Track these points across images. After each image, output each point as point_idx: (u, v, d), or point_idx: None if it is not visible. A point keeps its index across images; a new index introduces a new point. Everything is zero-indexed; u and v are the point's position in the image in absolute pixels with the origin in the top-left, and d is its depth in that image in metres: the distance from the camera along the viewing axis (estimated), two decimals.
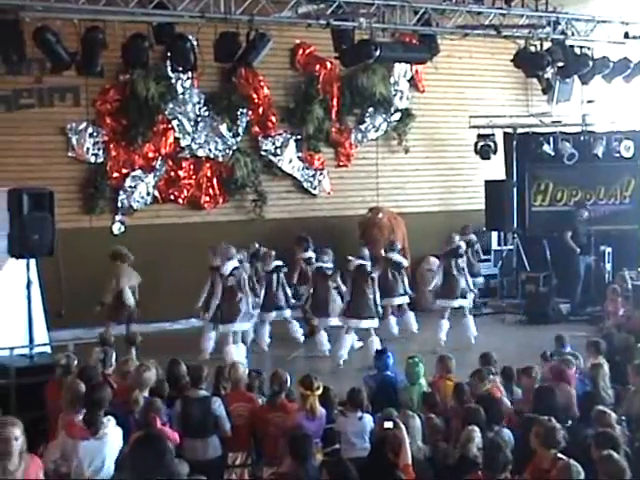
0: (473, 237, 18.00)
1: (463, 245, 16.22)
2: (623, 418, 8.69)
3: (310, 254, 16.08)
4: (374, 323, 14.76)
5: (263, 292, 15.38)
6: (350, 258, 14.93)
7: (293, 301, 15.78)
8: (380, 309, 14.95)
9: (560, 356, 11.12)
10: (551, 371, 10.35)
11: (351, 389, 9.48)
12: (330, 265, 15.30)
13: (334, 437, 9.32)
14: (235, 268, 14.23)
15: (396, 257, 16.38)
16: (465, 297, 15.96)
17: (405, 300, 16.55)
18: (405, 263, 16.70)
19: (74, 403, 8.33)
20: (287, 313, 15.77)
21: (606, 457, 6.95)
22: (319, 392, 9.23)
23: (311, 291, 15.29)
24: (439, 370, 10.68)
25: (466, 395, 9.49)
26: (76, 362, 10.22)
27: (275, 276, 15.63)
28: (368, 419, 9.14)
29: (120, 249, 14.79)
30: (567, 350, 11.48)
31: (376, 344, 14.16)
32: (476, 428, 7.89)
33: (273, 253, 15.68)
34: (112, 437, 7.78)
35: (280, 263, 15.71)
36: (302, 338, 15.71)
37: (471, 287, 16.16)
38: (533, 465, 7.44)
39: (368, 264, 14.87)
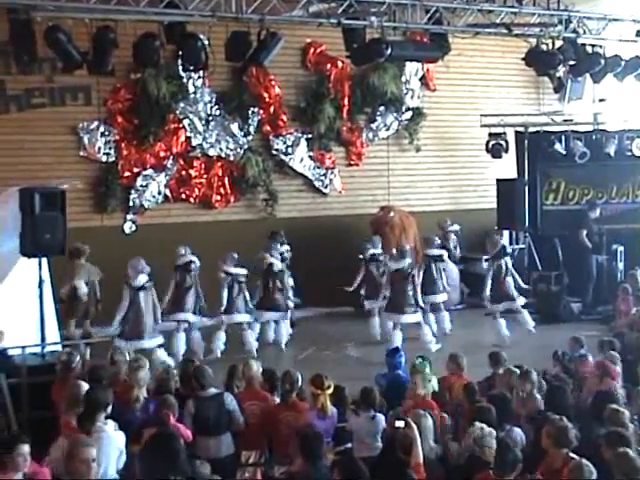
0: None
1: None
2: (635, 417, 8.66)
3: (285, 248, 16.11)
4: (417, 317, 15.19)
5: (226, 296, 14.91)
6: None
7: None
8: (422, 304, 15.41)
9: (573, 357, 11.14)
10: (597, 367, 10.37)
11: (363, 388, 9.48)
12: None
13: (345, 436, 9.32)
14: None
15: (435, 252, 16.65)
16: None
17: (445, 298, 16.66)
18: (445, 255, 16.96)
19: (72, 404, 8.35)
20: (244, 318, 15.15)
21: (622, 455, 6.93)
22: (330, 391, 9.24)
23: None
24: (450, 368, 10.68)
25: (477, 394, 9.48)
26: (78, 359, 10.23)
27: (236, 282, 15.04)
28: (380, 418, 9.15)
29: (76, 245, 14.07)
30: (583, 352, 11.44)
31: (429, 336, 15.12)
32: (487, 427, 7.87)
33: (235, 256, 15.11)
34: (108, 440, 7.75)
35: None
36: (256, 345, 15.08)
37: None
38: (545, 465, 7.43)
39: (407, 264, 15.28)
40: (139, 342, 12.99)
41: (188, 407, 8.91)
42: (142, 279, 13.28)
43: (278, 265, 15.33)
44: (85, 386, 8.57)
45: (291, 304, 15.70)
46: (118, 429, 7.99)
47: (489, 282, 16.09)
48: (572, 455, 7.24)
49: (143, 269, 13.36)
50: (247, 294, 15.08)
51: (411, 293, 15.14)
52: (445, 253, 17.00)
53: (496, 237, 16.58)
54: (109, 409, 8.06)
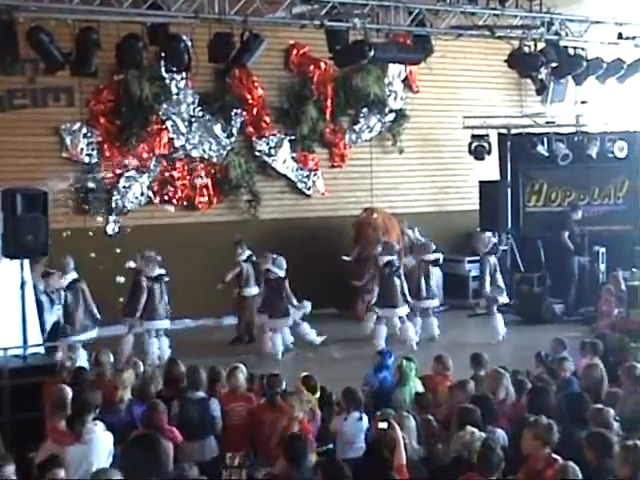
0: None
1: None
2: (617, 418, 8.68)
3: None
4: (406, 310, 15.80)
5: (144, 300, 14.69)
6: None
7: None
8: (409, 298, 15.85)
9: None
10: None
11: (346, 389, 9.48)
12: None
13: (327, 437, 9.31)
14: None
15: (431, 257, 16.82)
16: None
17: (434, 304, 16.82)
18: (441, 259, 17.11)
19: (58, 408, 8.31)
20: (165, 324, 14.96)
21: (632, 447, 6.96)
22: (318, 394, 9.27)
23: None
24: (436, 369, 10.70)
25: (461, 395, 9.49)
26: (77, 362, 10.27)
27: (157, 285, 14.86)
28: (365, 420, 9.16)
29: None
30: (564, 353, 11.46)
31: (412, 333, 15.58)
32: (471, 428, 7.88)
33: (159, 259, 14.96)
34: (99, 442, 7.74)
35: (163, 272, 14.93)
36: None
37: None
38: (527, 466, 7.44)
39: (395, 259, 15.87)
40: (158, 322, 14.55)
41: (173, 408, 8.91)
42: (158, 270, 14.55)
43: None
44: (69, 390, 8.53)
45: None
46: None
47: (487, 279, 16.32)
48: (555, 456, 7.26)
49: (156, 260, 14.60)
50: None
51: (399, 287, 15.61)
52: (441, 257, 17.00)
53: (486, 236, 16.71)
54: (97, 411, 8.05)
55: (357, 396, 9.35)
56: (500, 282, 16.84)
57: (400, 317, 15.80)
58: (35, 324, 12.49)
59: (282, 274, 15.34)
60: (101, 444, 7.75)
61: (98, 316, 14.12)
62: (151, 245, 15.20)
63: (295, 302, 15.37)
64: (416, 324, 16.17)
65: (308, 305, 15.59)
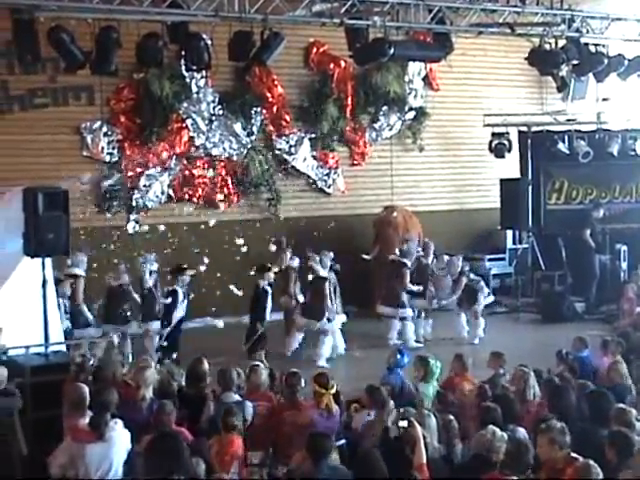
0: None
1: None
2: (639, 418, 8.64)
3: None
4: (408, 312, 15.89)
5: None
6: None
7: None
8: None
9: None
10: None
11: (369, 386, 9.48)
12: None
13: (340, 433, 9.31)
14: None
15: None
16: None
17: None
18: None
19: (77, 406, 8.33)
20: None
21: None
22: (334, 390, 9.25)
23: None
24: (455, 368, 10.68)
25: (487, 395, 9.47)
26: (92, 362, 10.28)
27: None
28: None
29: None
30: (586, 352, 11.44)
31: (411, 333, 15.71)
32: (499, 431, 7.85)
33: (331, 254, 15.41)
34: (119, 440, 7.78)
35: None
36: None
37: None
38: (546, 466, 7.40)
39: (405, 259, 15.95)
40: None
41: (207, 409, 8.93)
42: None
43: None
44: (86, 388, 8.55)
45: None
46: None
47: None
48: (574, 455, 7.22)
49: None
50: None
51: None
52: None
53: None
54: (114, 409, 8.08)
55: (380, 394, 9.34)
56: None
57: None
58: (57, 322, 12.54)
59: (323, 274, 15.25)
60: (120, 442, 7.78)
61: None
62: (171, 243, 15.23)
63: (330, 305, 15.07)
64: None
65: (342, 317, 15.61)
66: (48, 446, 8.22)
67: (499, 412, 8.41)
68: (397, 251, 16.34)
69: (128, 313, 14.49)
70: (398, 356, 11.06)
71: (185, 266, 14.22)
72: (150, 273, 14.45)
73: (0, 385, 9.27)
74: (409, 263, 16.08)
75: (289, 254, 15.70)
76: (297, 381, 9.37)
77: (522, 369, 9.96)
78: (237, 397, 9.25)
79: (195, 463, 7.44)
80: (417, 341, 15.87)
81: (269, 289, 14.08)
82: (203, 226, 17.10)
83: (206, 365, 9.96)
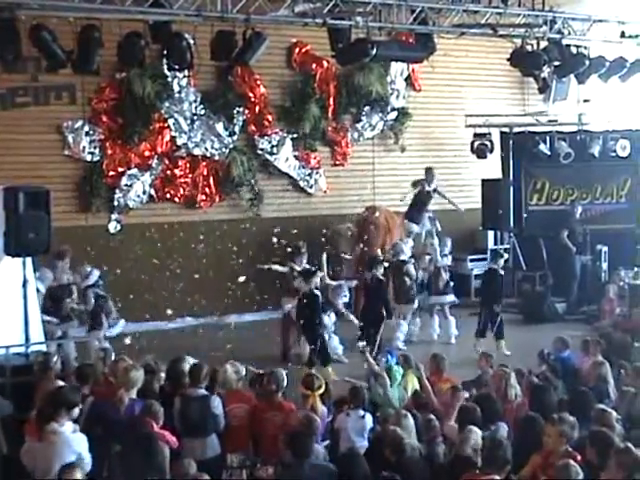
0: None
1: None
2: (619, 417, 8.68)
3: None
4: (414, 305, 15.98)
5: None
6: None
7: None
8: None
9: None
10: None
11: (352, 387, 9.59)
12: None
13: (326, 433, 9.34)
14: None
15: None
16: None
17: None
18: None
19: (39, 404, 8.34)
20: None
21: (624, 450, 6.97)
22: (320, 392, 9.27)
23: None
24: (430, 369, 10.72)
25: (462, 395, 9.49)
26: (56, 359, 10.25)
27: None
28: (369, 418, 9.19)
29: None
30: (567, 353, 11.49)
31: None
32: (473, 427, 7.88)
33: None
34: (63, 442, 7.59)
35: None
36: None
37: None
38: (543, 459, 7.44)
39: (406, 257, 15.96)
40: None
41: (175, 405, 8.89)
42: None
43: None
44: (53, 386, 8.53)
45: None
46: (78, 431, 7.86)
47: None
48: (571, 451, 7.29)
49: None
50: None
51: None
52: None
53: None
54: (75, 411, 7.96)
55: (361, 394, 9.38)
56: None
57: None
58: (37, 322, 12.50)
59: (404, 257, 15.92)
60: (67, 446, 7.58)
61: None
62: (153, 243, 15.19)
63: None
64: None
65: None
66: None
67: (478, 412, 8.43)
68: (388, 254, 16.35)
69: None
70: (388, 356, 11.17)
71: None
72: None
73: None
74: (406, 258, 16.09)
75: (305, 258, 15.17)
76: (274, 381, 9.35)
77: (502, 369, 10.01)
78: (203, 391, 9.15)
79: (186, 463, 7.42)
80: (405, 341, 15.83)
81: (318, 292, 13.82)
82: (184, 226, 17.12)
83: (186, 364, 9.91)
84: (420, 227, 18.47)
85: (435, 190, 18.45)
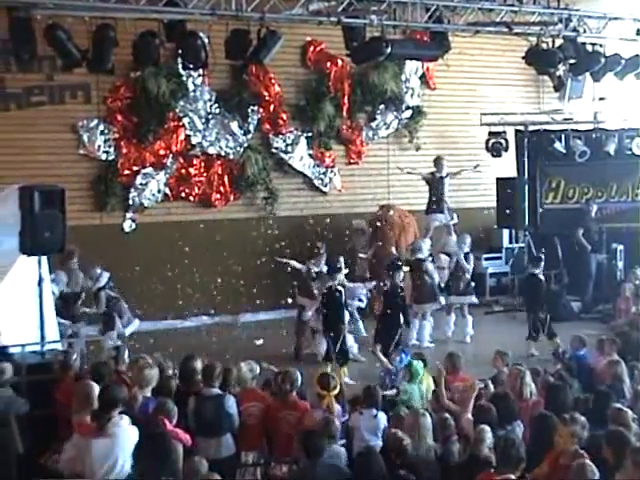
0: None
1: None
2: (635, 417, 8.65)
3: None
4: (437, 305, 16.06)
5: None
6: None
7: None
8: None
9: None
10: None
11: (367, 387, 9.57)
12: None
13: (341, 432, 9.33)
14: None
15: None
16: None
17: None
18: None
19: (83, 403, 8.34)
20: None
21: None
22: (336, 392, 9.27)
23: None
24: (447, 367, 10.69)
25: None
26: (75, 357, 10.28)
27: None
28: (382, 417, 9.18)
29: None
30: (584, 351, 11.45)
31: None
32: (487, 427, 7.86)
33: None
34: (123, 435, 7.73)
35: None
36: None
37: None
38: (555, 460, 7.41)
39: (424, 256, 15.90)
40: None
41: (189, 405, 8.90)
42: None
43: None
44: (95, 386, 8.55)
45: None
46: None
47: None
48: (581, 451, 7.26)
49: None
50: None
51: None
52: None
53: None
54: (123, 405, 8.06)
55: (375, 394, 9.37)
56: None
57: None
58: (53, 320, 12.54)
59: (421, 256, 15.80)
60: (125, 438, 7.72)
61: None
62: (168, 242, 15.20)
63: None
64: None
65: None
66: (43, 444, 8.22)
67: (494, 411, 8.41)
68: (407, 253, 16.34)
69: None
70: (403, 355, 11.16)
71: None
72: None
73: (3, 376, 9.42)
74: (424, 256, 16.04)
75: (324, 259, 15.10)
76: (288, 380, 9.35)
77: (518, 367, 9.99)
78: (217, 391, 9.15)
79: (197, 461, 7.42)
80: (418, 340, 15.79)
81: (342, 289, 13.71)
82: (198, 225, 17.13)
83: (198, 363, 9.90)
84: (444, 217, 18.25)
85: (447, 175, 18.30)
